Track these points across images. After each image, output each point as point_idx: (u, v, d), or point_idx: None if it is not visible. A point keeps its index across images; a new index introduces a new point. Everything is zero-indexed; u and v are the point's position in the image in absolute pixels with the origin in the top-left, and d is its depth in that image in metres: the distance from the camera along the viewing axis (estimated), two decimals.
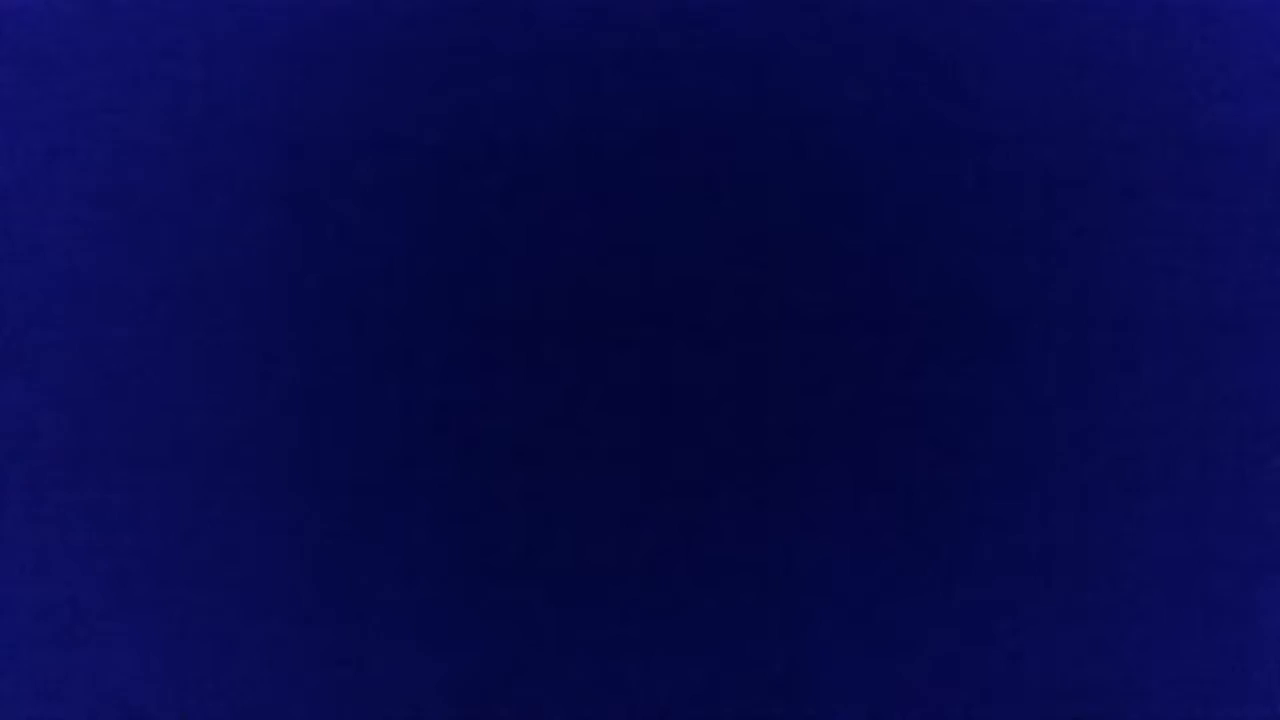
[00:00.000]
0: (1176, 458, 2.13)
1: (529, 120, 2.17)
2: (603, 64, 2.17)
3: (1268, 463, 2.13)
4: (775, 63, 2.17)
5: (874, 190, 2.16)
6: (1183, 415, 2.14)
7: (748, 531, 2.12)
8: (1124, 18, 2.18)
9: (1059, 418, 2.13)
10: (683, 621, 2.12)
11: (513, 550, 2.12)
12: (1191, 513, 2.13)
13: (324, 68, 2.17)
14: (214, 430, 2.13)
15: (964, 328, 2.14)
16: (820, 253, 2.15)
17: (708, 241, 2.15)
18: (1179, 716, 2.11)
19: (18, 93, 2.17)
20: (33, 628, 2.11)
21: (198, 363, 2.13)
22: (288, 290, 2.14)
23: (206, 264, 2.15)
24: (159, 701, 2.11)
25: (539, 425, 2.13)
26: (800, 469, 2.12)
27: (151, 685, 2.11)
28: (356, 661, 2.11)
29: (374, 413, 2.13)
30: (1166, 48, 2.18)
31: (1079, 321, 2.14)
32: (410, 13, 2.17)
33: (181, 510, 2.12)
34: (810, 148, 2.16)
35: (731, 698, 2.11)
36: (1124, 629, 2.12)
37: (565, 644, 2.11)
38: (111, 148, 2.16)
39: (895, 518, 2.12)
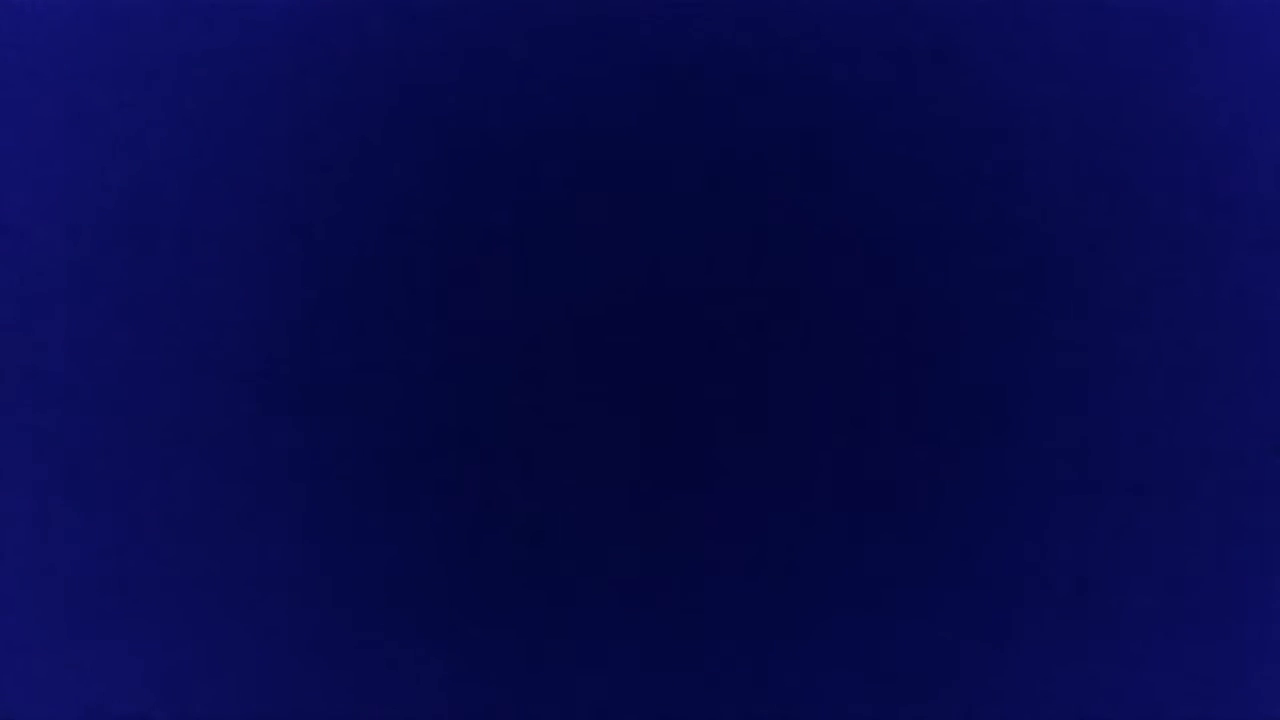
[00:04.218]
0: (1176, 460, 2.14)
1: (529, 120, 2.17)
2: (603, 63, 2.17)
3: (1268, 462, 2.13)
4: (776, 61, 2.17)
5: (874, 189, 2.16)
6: (1182, 416, 2.14)
7: (748, 534, 2.12)
8: (1125, 18, 2.18)
9: (1059, 419, 2.14)
10: (681, 622, 2.12)
11: (512, 551, 2.12)
12: (1192, 514, 2.13)
13: (324, 68, 2.17)
14: (214, 430, 2.13)
15: (963, 328, 2.14)
16: (821, 253, 2.15)
17: (708, 241, 2.16)
18: (1179, 717, 2.12)
19: (18, 93, 2.17)
20: (33, 628, 2.11)
21: (198, 363, 2.14)
22: (288, 290, 2.14)
23: (206, 264, 2.15)
24: (159, 701, 2.11)
25: (539, 426, 2.13)
26: (801, 471, 2.13)
27: (151, 685, 2.11)
28: (356, 661, 2.11)
29: (374, 414, 2.13)
30: (1166, 48, 2.18)
31: (1079, 321, 2.15)
32: (411, 13, 2.18)
33: (181, 510, 2.12)
34: (810, 146, 2.17)
35: (732, 699, 2.11)
36: (1124, 631, 2.12)
37: (564, 645, 2.12)
38: (112, 148, 2.16)
39: (895, 521, 2.12)
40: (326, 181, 2.16)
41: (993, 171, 2.17)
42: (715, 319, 2.15)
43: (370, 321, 2.15)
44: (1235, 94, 2.18)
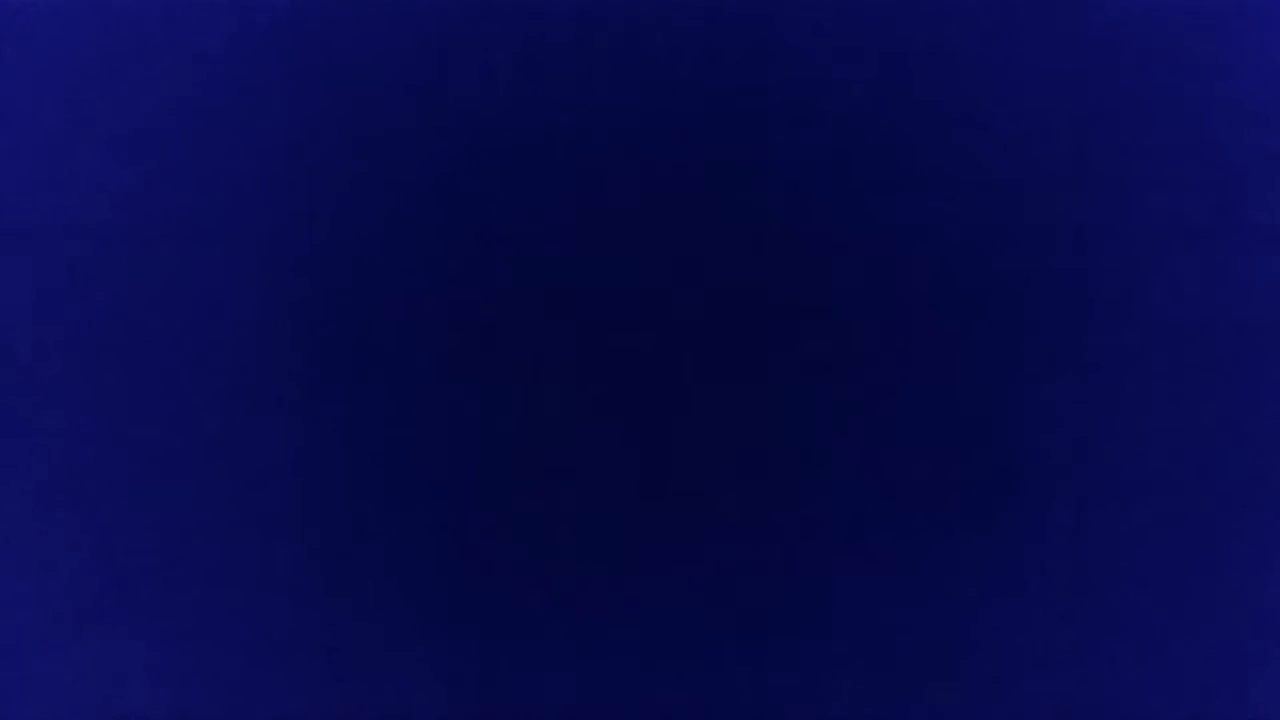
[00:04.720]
0: (1177, 458, 2.13)
1: (529, 119, 2.17)
2: (603, 62, 2.17)
3: (1268, 462, 2.13)
4: (775, 61, 2.17)
5: (874, 189, 2.16)
6: (1183, 416, 2.14)
7: (748, 534, 2.12)
8: (1126, 17, 2.18)
9: (1059, 418, 2.13)
10: (682, 622, 2.12)
11: (512, 552, 2.12)
12: (1192, 513, 2.13)
13: (324, 68, 2.17)
14: (214, 431, 2.13)
15: (963, 328, 2.14)
16: (821, 253, 2.15)
17: (708, 240, 2.15)
18: (1179, 717, 2.11)
19: (18, 93, 2.17)
20: (33, 628, 2.11)
21: (197, 363, 2.14)
22: (287, 290, 2.14)
23: (207, 264, 2.15)
24: (159, 701, 2.11)
25: (539, 426, 2.13)
26: (802, 470, 2.13)
27: (151, 685, 2.11)
28: (355, 661, 2.11)
29: (374, 414, 2.13)
30: (1167, 48, 2.18)
31: (1079, 321, 2.15)
32: (410, 13, 2.17)
33: (181, 510, 2.12)
34: (810, 146, 2.16)
35: (733, 699, 2.11)
36: (1124, 629, 2.12)
37: (564, 646, 2.11)
38: (111, 148, 2.16)
39: (895, 519, 2.12)
40: (327, 181, 2.16)
41: (992, 170, 2.17)
42: (715, 318, 2.15)
43: (371, 322, 2.14)
44: (1237, 92, 2.18)
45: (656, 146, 2.16)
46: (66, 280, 2.15)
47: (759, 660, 2.11)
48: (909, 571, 2.12)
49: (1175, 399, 2.14)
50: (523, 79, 2.17)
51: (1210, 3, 2.18)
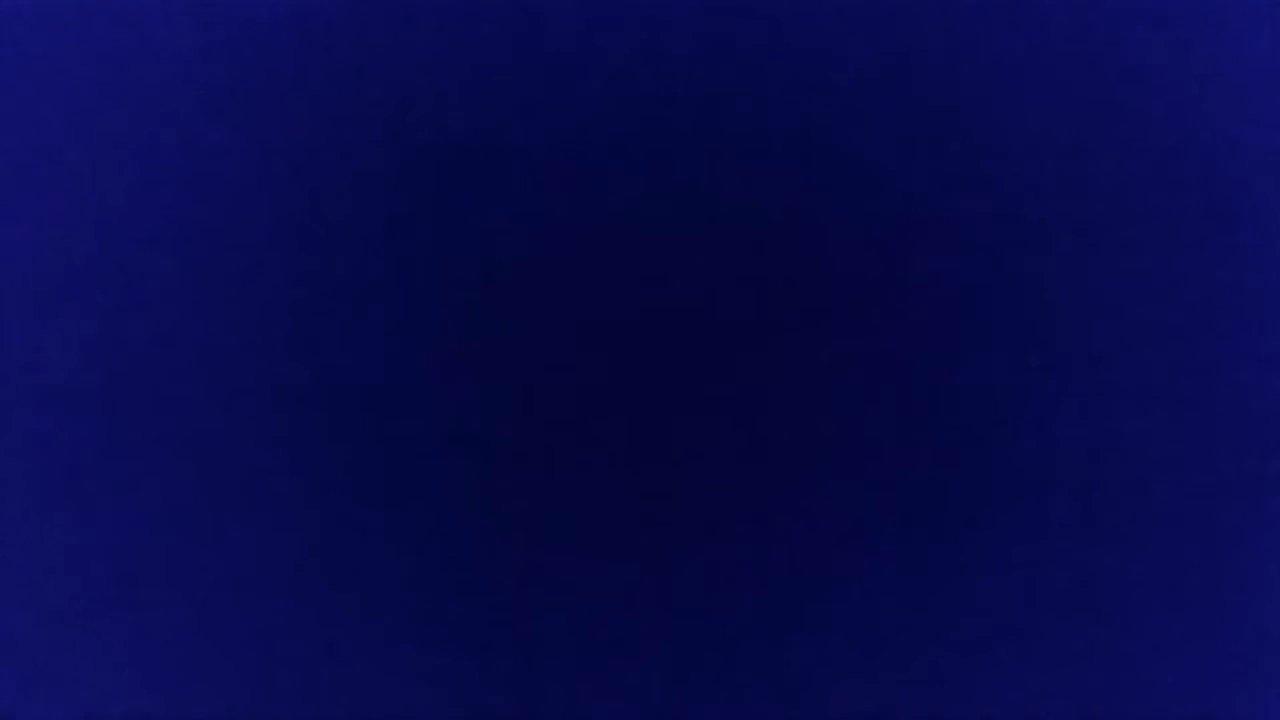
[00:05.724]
0: (1177, 457, 2.13)
1: (530, 119, 2.17)
2: (605, 65, 2.17)
3: (1268, 463, 2.13)
4: (776, 64, 2.17)
5: (874, 191, 2.16)
6: (1183, 415, 2.14)
7: (749, 532, 2.12)
8: (1125, 17, 2.18)
9: (1060, 418, 2.13)
10: (682, 621, 2.12)
11: (513, 551, 2.12)
12: (1193, 512, 2.13)
13: (325, 68, 2.17)
14: (214, 429, 2.13)
15: (964, 329, 2.14)
16: (821, 255, 2.15)
17: (710, 242, 2.16)
18: (1179, 716, 2.11)
19: (18, 93, 2.17)
20: (33, 628, 2.11)
21: (198, 362, 2.14)
22: (288, 290, 2.14)
23: (206, 263, 2.15)
24: (159, 701, 2.11)
25: (541, 426, 2.13)
26: (803, 470, 2.13)
27: (151, 685, 2.11)
28: (355, 661, 2.11)
29: (375, 413, 2.13)
30: (1167, 48, 2.18)
31: (1080, 322, 2.15)
32: (411, 14, 2.18)
33: (181, 509, 2.12)
34: (812, 149, 2.17)
35: (733, 698, 2.11)
36: (1125, 629, 2.12)
37: (564, 646, 2.12)
38: (110, 148, 2.16)
39: (897, 519, 2.12)
40: (328, 183, 2.16)
41: (990, 171, 2.17)
42: (715, 317, 2.15)
43: (370, 323, 2.15)
44: (1237, 92, 2.18)
45: (656, 146, 2.16)
46: (66, 280, 2.15)
47: (759, 660, 2.11)
48: (909, 572, 2.12)
49: (1175, 398, 2.14)
50: (523, 78, 2.17)
51: (1211, 2, 2.18)
